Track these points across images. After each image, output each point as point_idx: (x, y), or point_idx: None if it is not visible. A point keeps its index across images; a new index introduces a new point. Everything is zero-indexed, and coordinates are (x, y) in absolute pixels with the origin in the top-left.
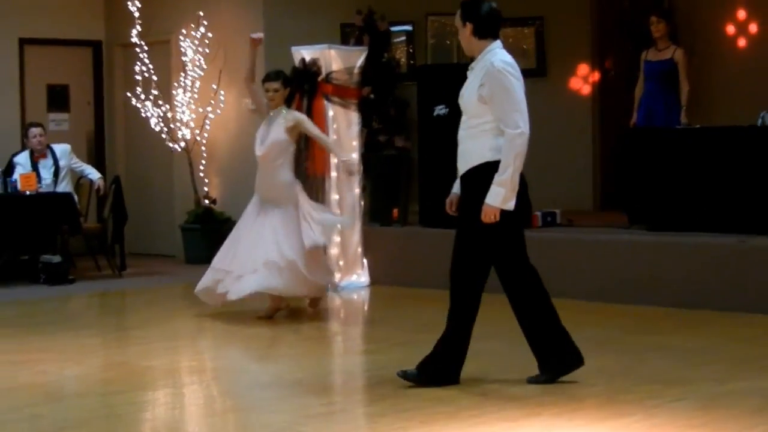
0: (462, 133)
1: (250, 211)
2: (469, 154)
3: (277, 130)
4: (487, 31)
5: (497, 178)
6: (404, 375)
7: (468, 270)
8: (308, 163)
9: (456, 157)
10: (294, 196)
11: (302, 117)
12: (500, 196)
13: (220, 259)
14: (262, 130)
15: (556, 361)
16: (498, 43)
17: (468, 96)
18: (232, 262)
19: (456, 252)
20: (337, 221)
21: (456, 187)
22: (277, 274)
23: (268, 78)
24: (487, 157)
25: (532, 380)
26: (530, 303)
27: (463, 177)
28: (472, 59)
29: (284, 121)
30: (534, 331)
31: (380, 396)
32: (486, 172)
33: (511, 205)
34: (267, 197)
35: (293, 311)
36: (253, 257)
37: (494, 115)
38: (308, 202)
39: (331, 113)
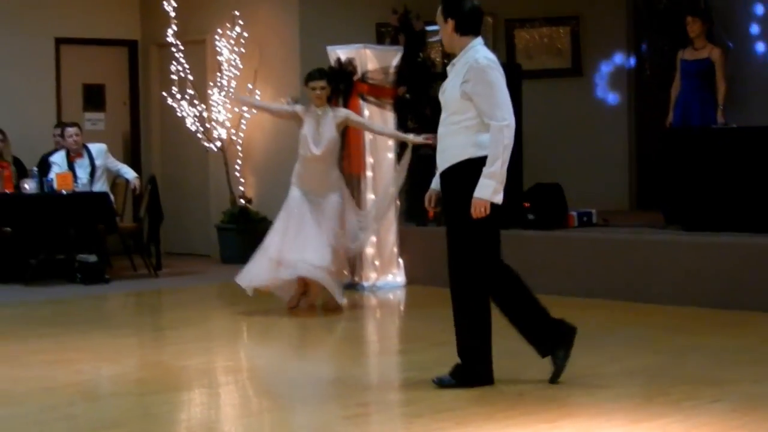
0: (442, 130)
1: (297, 201)
2: (451, 151)
3: (329, 128)
4: (468, 28)
5: (486, 170)
6: (440, 382)
7: (468, 268)
8: (344, 162)
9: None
10: (341, 186)
11: (349, 111)
12: (490, 188)
13: (276, 249)
14: (311, 130)
15: (556, 342)
16: (479, 40)
17: (450, 92)
18: (294, 247)
19: (451, 252)
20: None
21: (435, 183)
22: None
23: (312, 77)
24: (470, 153)
25: (554, 379)
26: (517, 297)
27: (444, 174)
28: (452, 56)
29: (334, 118)
30: (528, 323)
31: (416, 397)
32: (469, 168)
33: (499, 198)
34: (316, 191)
35: (329, 310)
36: (317, 246)
37: (479, 109)
38: (352, 201)
39: (366, 113)
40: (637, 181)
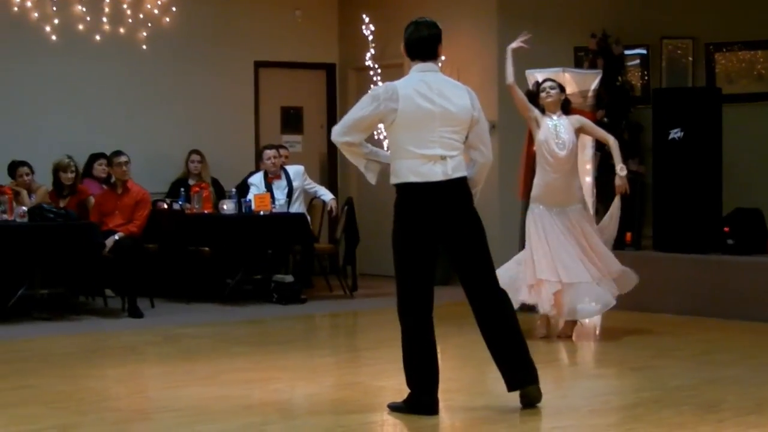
0: None
1: (546, 222)
2: None
3: (570, 132)
4: (413, 53)
5: None
6: (391, 407)
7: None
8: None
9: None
10: (582, 196)
11: (584, 118)
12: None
13: (549, 272)
14: (550, 134)
15: (414, 394)
16: (420, 66)
17: None
18: (570, 273)
19: None
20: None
21: None
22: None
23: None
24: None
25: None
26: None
27: None
28: None
29: (571, 123)
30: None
31: (614, 421)
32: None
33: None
34: (559, 202)
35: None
36: (589, 269)
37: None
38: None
39: None
40: None
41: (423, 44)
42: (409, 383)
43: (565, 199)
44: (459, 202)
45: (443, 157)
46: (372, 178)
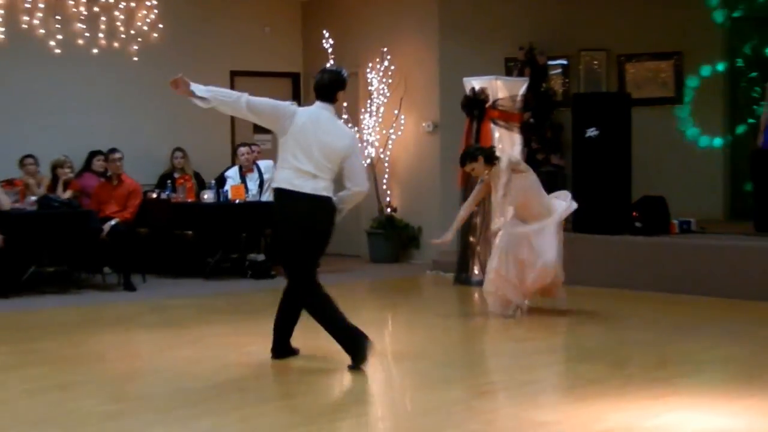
0: None
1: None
2: None
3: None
4: (316, 94)
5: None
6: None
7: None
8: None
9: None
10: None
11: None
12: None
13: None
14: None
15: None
16: (320, 105)
17: None
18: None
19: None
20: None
21: None
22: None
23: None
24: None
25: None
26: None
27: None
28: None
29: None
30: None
31: (538, 377)
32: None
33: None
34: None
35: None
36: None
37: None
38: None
39: (497, 134)
40: (731, 195)
41: (323, 88)
42: (348, 338)
43: (532, 220)
44: (317, 215)
45: (315, 176)
46: (202, 104)
